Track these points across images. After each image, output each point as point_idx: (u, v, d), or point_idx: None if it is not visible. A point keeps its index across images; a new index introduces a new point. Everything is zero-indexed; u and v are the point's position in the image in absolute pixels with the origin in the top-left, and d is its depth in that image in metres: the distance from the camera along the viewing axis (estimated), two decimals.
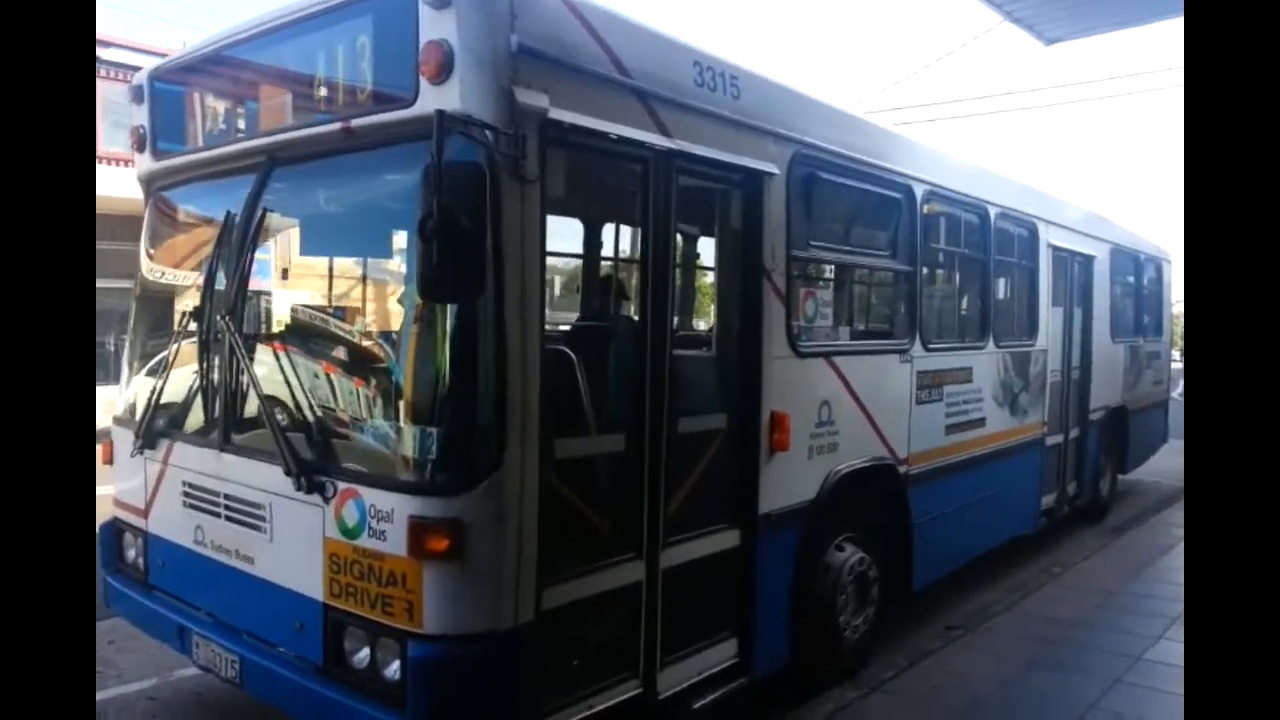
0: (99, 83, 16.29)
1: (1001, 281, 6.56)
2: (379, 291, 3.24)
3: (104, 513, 4.23)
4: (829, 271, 4.78)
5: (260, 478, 3.23)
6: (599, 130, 3.07)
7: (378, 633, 2.87)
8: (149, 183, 4.19)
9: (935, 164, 5.40)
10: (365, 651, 2.92)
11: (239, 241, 3.42)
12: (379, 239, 3.41)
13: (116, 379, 4.51)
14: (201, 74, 3.83)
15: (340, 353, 3.31)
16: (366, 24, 3.01)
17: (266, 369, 3.29)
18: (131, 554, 4.07)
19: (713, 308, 4.37)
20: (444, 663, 2.74)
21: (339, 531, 2.95)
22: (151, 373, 3.95)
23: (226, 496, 3.42)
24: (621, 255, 5.20)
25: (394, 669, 2.83)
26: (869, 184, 4.74)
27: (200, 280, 3.63)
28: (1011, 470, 6.40)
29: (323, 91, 3.23)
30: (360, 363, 3.27)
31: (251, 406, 3.33)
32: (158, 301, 4.19)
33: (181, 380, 3.75)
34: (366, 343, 3.24)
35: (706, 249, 5.38)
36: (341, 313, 3.35)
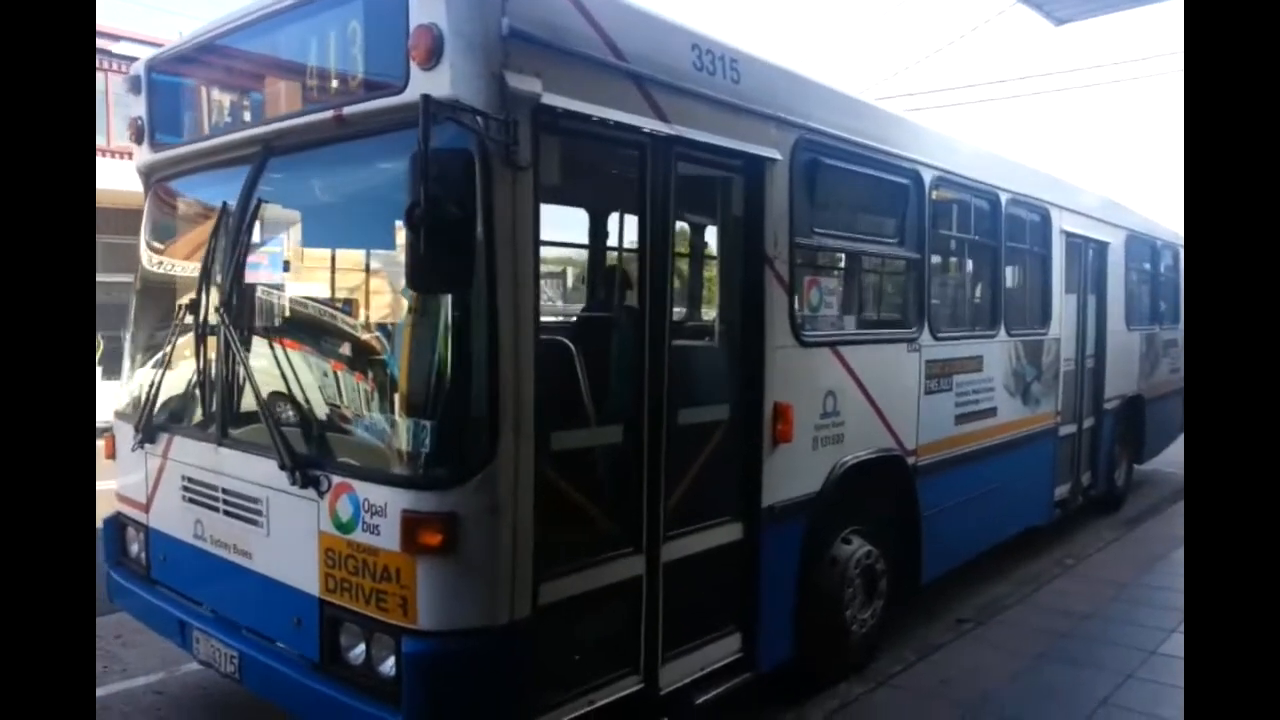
0: (109, 76, 16.39)
1: (1013, 269, 6.45)
2: (374, 283, 3.20)
3: (109, 507, 4.24)
4: (834, 259, 4.70)
5: (257, 472, 3.20)
6: (594, 116, 3.01)
7: (373, 629, 2.84)
8: (148, 174, 4.17)
9: (944, 149, 5.30)
10: (361, 648, 2.89)
11: (234, 233, 3.38)
12: (373, 229, 3.37)
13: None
14: (196, 63, 3.79)
15: (335, 345, 3.27)
16: (358, 9, 2.96)
17: (262, 362, 3.26)
18: (134, 548, 4.06)
19: (715, 297, 4.30)
20: (439, 659, 2.71)
21: (333, 526, 2.92)
22: (151, 366, 3.93)
23: (224, 491, 3.39)
24: (620, 244, 5.13)
25: (389, 665, 2.79)
26: (875, 169, 4.65)
27: (196, 272, 3.59)
28: (1023, 461, 6.31)
29: (315, 79, 3.18)
30: (354, 355, 3.23)
31: (248, 400, 3.30)
32: (158, 294, 4.16)
33: (180, 374, 3.73)
34: (360, 335, 3.20)
35: (708, 237, 5.32)
36: (337, 305, 3.31)
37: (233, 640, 3.30)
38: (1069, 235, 6.93)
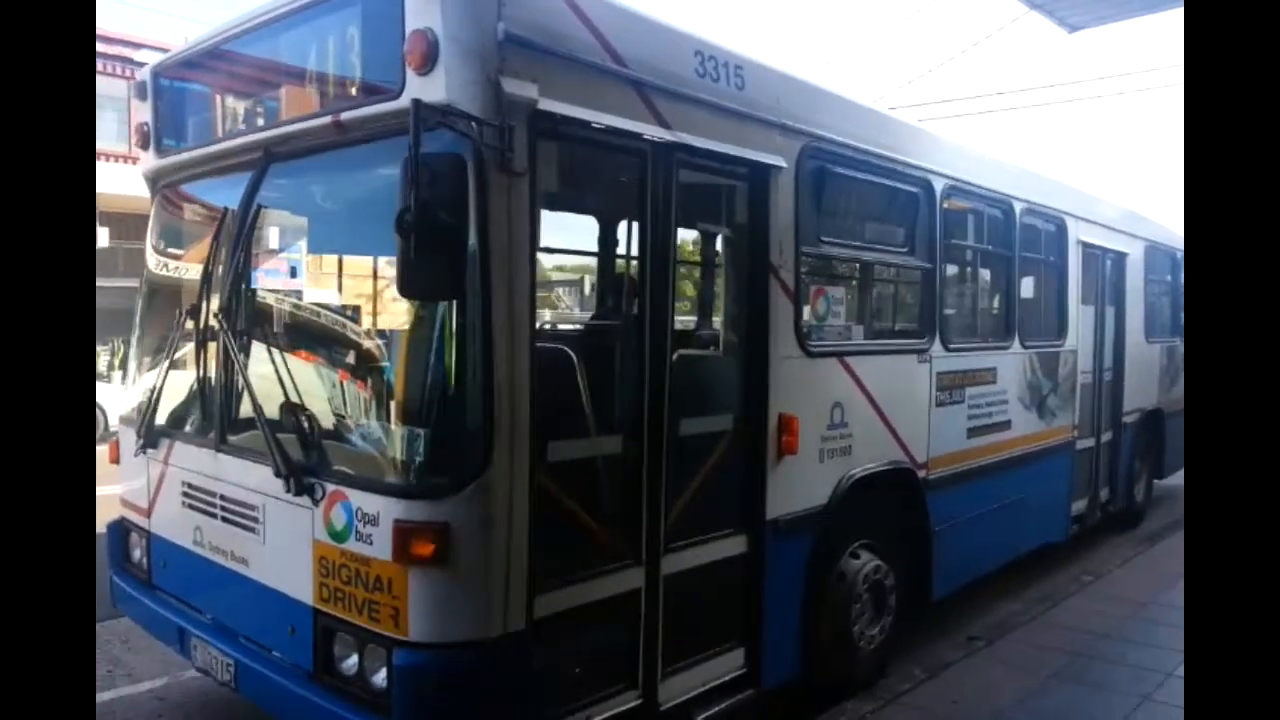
0: (122, 83, 16.59)
1: (1028, 279, 6.34)
2: (372, 290, 3.17)
3: (113, 513, 4.24)
4: (842, 269, 4.64)
5: (254, 479, 3.18)
6: (592, 122, 2.97)
7: (365, 639, 2.80)
8: (154, 180, 4.18)
9: (956, 157, 5.23)
10: (354, 658, 2.86)
11: (234, 239, 3.38)
12: (372, 236, 3.33)
13: None
14: (200, 69, 3.81)
15: (333, 352, 3.25)
16: (355, 14, 2.95)
17: (260, 368, 3.24)
18: (136, 554, 4.06)
19: (719, 307, 4.25)
20: (430, 671, 2.66)
21: (327, 535, 2.89)
22: (153, 371, 3.93)
23: (223, 497, 3.38)
24: (621, 252, 5.08)
25: (381, 677, 2.75)
26: (885, 178, 4.59)
27: (197, 278, 3.59)
28: (1039, 475, 6.19)
29: (315, 84, 3.18)
30: (350, 362, 3.21)
31: (247, 406, 3.28)
32: (162, 299, 4.17)
33: (181, 379, 3.73)
34: (358, 343, 3.17)
35: (711, 245, 5.27)
36: (336, 312, 3.29)
37: (229, 648, 3.28)
38: (1086, 245, 6.82)
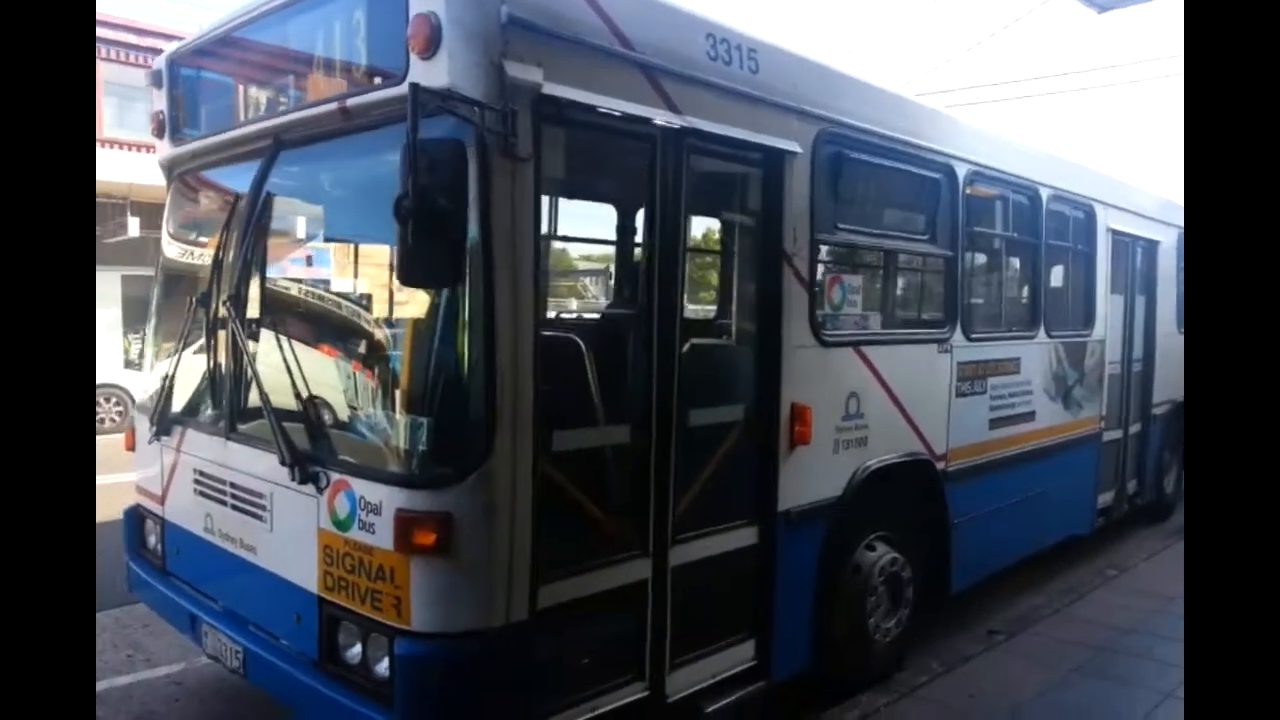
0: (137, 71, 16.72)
1: (1054, 268, 6.21)
2: (380, 278, 3.15)
3: (130, 500, 4.29)
4: (859, 257, 4.55)
5: (262, 467, 3.19)
6: (599, 106, 2.92)
7: (368, 628, 2.80)
8: (170, 168, 4.20)
9: (979, 142, 5.10)
10: (357, 647, 2.85)
11: (244, 226, 3.38)
12: (379, 223, 3.31)
13: None
14: (211, 57, 3.81)
15: (339, 340, 3.24)
16: None
17: (268, 355, 3.24)
18: (151, 540, 4.10)
19: (731, 295, 4.18)
20: (432, 661, 2.65)
21: (332, 523, 2.88)
22: (167, 359, 3.96)
23: (232, 485, 3.39)
24: (631, 240, 5.03)
25: (384, 666, 2.75)
26: (904, 163, 4.48)
27: (208, 266, 3.60)
28: (1064, 467, 6.06)
29: (321, 70, 3.16)
30: (355, 351, 3.20)
31: (254, 394, 3.28)
32: (177, 287, 4.19)
33: (192, 367, 3.74)
34: (364, 331, 3.16)
35: (724, 233, 5.20)
36: (343, 300, 3.28)
37: (238, 635, 3.29)
38: (1116, 233, 6.65)
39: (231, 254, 3.44)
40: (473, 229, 2.59)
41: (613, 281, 5.74)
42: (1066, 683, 4.25)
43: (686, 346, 3.50)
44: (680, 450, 3.31)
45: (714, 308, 5.57)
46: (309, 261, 3.51)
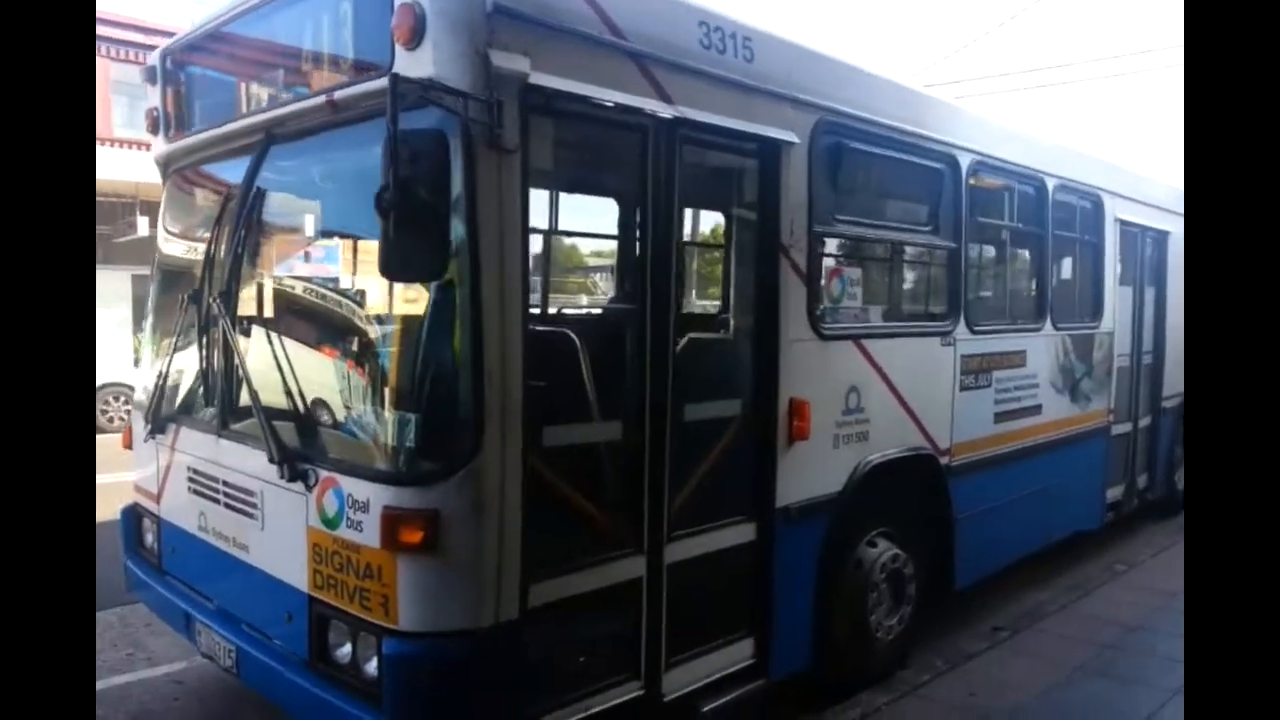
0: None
1: (1061, 259, 6.12)
2: (369, 273, 3.11)
3: (127, 498, 4.28)
4: (859, 249, 4.48)
5: (253, 464, 3.16)
6: (589, 96, 2.87)
7: (357, 627, 2.77)
8: (165, 165, 4.18)
9: (983, 132, 5.03)
10: (347, 646, 2.83)
11: (235, 222, 3.35)
12: (369, 217, 3.29)
13: None
14: (202, 52, 3.78)
15: (328, 336, 3.20)
16: None
17: (257, 352, 3.21)
18: (149, 539, 4.09)
19: (729, 288, 4.13)
20: (420, 661, 2.62)
21: (320, 521, 2.86)
22: (161, 356, 3.94)
23: (225, 483, 3.37)
24: (625, 233, 4.97)
25: (373, 665, 2.72)
26: (906, 154, 4.41)
27: (200, 262, 3.58)
28: (1071, 462, 5.98)
29: (310, 64, 3.13)
30: (344, 347, 3.16)
31: (245, 391, 3.25)
32: (172, 284, 4.17)
33: (186, 364, 3.72)
34: (351, 327, 3.12)
35: (720, 225, 5.14)
36: (332, 296, 3.25)
37: (231, 634, 3.27)
38: (1124, 224, 6.56)
39: (223, 250, 3.41)
40: (457, 222, 2.55)
41: (614, 276, 5.70)
42: (1069, 681, 4.19)
43: (684, 341, 3.46)
44: (675, 446, 3.27)
45: (719, 302, 5.51)
46: (300, 257, 3.47)
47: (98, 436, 6.54)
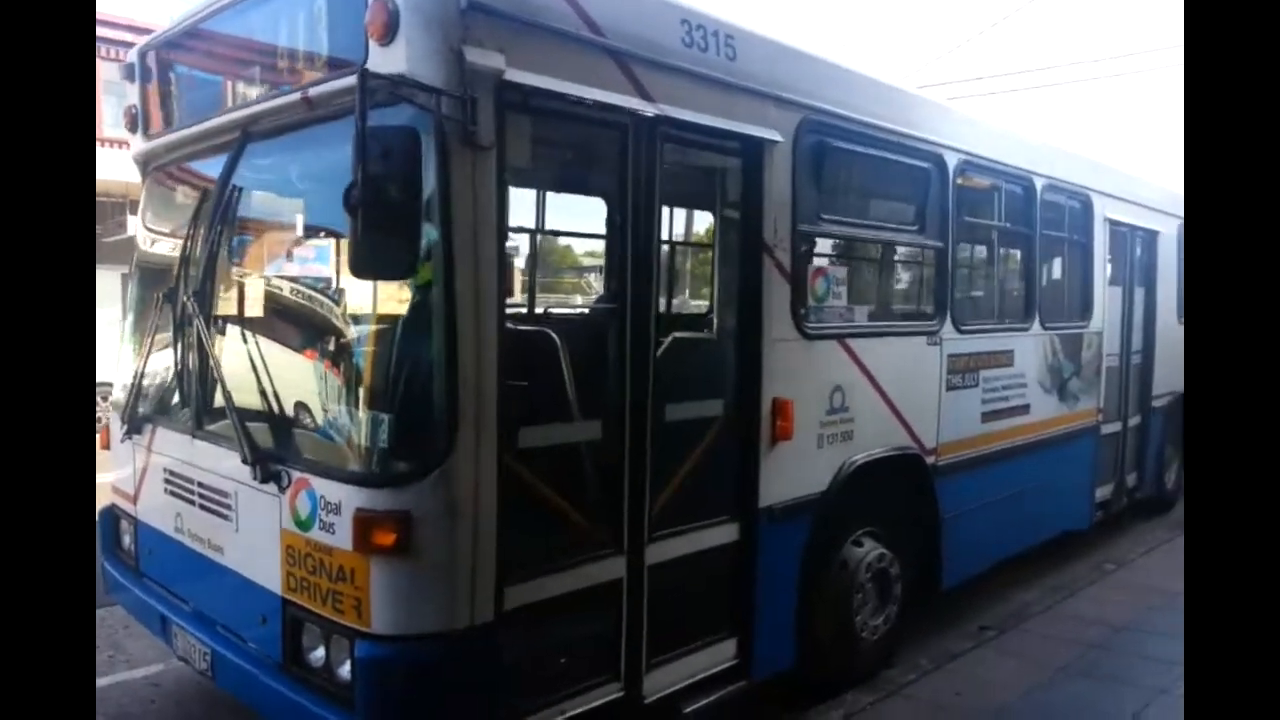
0: None
1: (1049, 259, 6.11)
2: (345, 273, 3.08)
3: (105, 499, 4.24)
4: (844, 248, 4.46)
5: (227, 465, 3.12)
6: (566, 94, 2.84)
7: (330, 630, 2.74)
8: (144, 163, 4.14)
9: (970, 131, 5.01)
10: (321, 650, 2.80)
11: (210, 221, 3.32)
12: (343, 216, 3.26)
13: None
14: (179, 49, 3.74)
15: (303, 336, 3.17)
16: None
17: (231, 352, 3.18)
18: (126, 540, 4.05)
19: (713, 288, 4.11)
20: (393, 664, 2.59)
21: (293, 523, 2.82)
22: (138, 356, 3.90)
23: (199, 484, 3.33)
24: (607, 232, 4.96)
25: (346, 669, 2.69)
26: (892, 153, 4.39)
27: (175, 261, 3.54)
28: (1060, 461, 5.97)
29: (285, 60, 3.10)
30: (317, 347, 3.13)
31: (218, 391, 3.22)
32: (150, 283, 4.13)
33: (161, 364, 3.69)
34: (325, 327, 3.08)
35: (703, 224, 5.12)
36: (305, 296, 3.22)
37: (206, 636, 3.24)
38: (1113, 224, 6.55)
39: (198, 249, 3.38)
40: (430, 220, 2.52)
41: (602, 275, 5.67)
42: (1054, 681, 4.17)
43: (667, 341, 3.44)
44: (657, 446, 3.24)
45: (702, 302, 5.49)
46: (277, 256, 3.44)
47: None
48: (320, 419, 2.93)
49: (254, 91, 3.31)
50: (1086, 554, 6.53)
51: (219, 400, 3.18)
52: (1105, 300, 6.45)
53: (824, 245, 4.24)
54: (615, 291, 3.26)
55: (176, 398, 3.52)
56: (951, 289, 4.78)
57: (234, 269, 3.34)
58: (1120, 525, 7.29)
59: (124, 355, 4.21)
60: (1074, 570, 6.14)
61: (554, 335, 3.30)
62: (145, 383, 3.75)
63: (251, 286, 3.35)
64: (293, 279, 3.27)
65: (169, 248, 4.00)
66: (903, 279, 5.23)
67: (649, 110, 3.11)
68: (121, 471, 3.99)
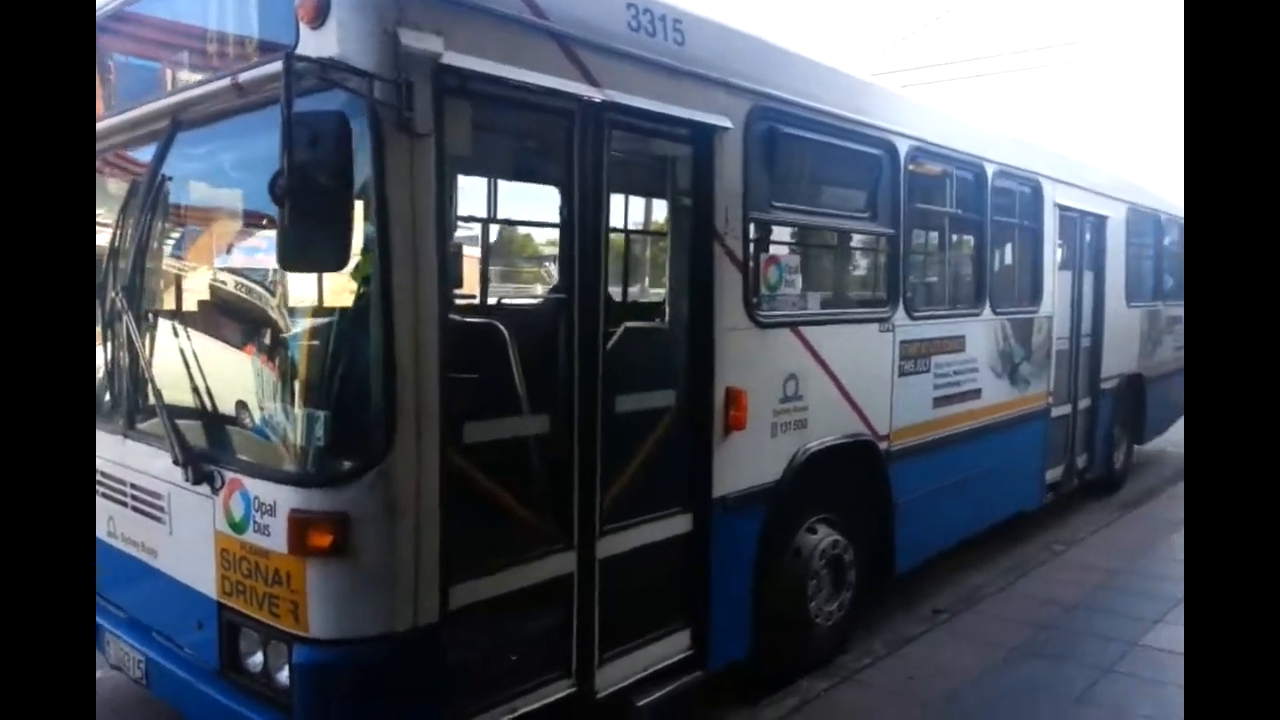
0: None
1: (1000, 244, 6.16)
2: (276, 265, 2.97)
3: None
4: (796, 236, 4.44)
5: (159, 466, 3.01)
6: (508, 79, 2.76)
7: (268, 635, 2.65)
8: None
9: (922, 118, 5.01)
10: (258, 655, 2.71)
11: (139, 213, 3.18)
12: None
13: None
14: (109, 34, 3.54)
15: (234, 332, 3.06)
16: None
17: (162, 348, 3.06)
18: None
19: (664, 277, 4.06)
20: (332, 669, 2.52)
21: (228, 525, 2.73)
22: None
23: (132, 485, 3.21)
24: (551, 220, 4.89)
25: (284, 674, 2.61)
26: (844, 140, 4.38)
27: (104, 254, 3.39)
28: (1011, 444, 6.04)
29: (215, 45, 2.96)
30: (250, 342, 3.02)
31: (150, 389, 3.10)
32: None
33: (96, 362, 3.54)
34: (257, 321, 2.97)
35: (653, 212, 5.07)
36: (237, 289, 3.10)
37: (140, 644, 3.13)
38: (1063, 209, 6.63)
39: (128, 241, 3.24)
40: (364, 209, 2.43)
41: (556, 265, 5.59)
42: (1006, 662, 4.23)
43: (618, 331, 3.39)
44: (607, 439, 3.19)
45: (653, 291, 5.44)
46: (209, 249, 3.31)
47: None
48: (254, 417, 2.83)
49: (185, 77, 3.17)
50: (1037, 535, 6.65)
51: (150, 398, 3.05)
52: (1055, 285, 6.53)
53: (776, 233, 4.22)
54: (566, 282, 3.19)
55: (108, 397, 3.38)
56: (904, 276, 4.80)
57: (165, 262, 3.21)
58: (1070, 506, 7.44)
59: None
60: (1025, 551, 6.25)
61: (502, 327, 3.22)
62: None
63: (183, 280, 3.22)
64: (226, 272, 3.15)
65: (99, 240, 3.84)
66: (855, 266, 5.23)
67: (595, 96, 3.04)
68: None
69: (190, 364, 2.89)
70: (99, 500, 3.41)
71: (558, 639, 3.13)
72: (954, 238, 5.69)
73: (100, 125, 3.60)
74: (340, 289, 2.55)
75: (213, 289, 3.19)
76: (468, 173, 4.23)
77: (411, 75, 2.49)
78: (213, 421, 2.88)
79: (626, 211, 5.00)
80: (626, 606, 3.34)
